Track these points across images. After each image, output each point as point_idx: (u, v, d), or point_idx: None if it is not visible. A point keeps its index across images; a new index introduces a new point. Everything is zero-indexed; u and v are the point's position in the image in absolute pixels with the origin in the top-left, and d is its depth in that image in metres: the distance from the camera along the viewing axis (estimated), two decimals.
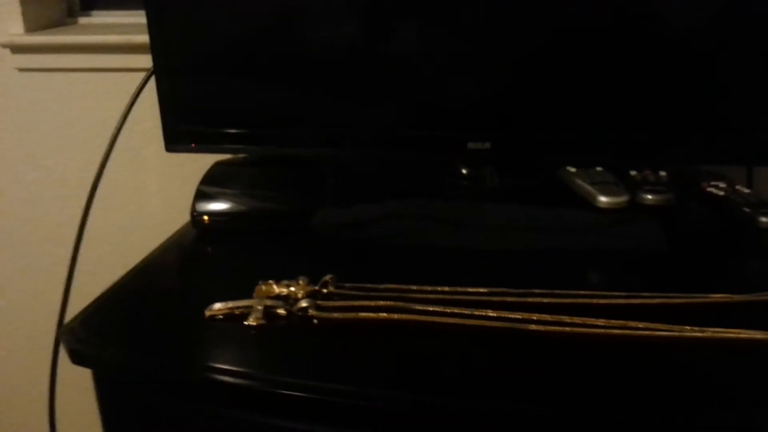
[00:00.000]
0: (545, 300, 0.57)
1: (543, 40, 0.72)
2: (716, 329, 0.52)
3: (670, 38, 0.70)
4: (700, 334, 0.52)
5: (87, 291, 0.62)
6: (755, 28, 0.69)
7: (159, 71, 0.79)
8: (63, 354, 0.54)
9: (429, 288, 0.59)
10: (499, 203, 0.74)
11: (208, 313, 0.55)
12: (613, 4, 0.70)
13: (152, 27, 0.77)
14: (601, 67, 0.72)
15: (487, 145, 0.76)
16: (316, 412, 0.48)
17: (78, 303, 0.60)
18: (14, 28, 1.00)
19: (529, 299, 0.57)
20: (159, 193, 1.06)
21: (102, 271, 1.08)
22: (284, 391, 0.47)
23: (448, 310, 0.55)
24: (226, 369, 0.49)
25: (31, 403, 1.28)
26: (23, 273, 1.17)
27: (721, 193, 0.74)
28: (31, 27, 1.01)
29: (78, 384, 1.00)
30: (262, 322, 0.54)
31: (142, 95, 0.85)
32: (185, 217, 0.76)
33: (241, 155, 0.85)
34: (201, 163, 0.83)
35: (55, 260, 1.13)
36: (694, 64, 0.71)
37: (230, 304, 0.56)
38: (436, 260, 0.67)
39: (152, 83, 0.79)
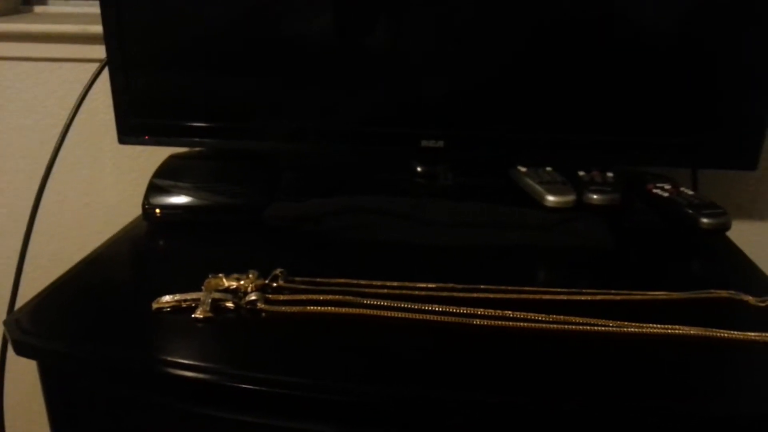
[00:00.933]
0: (491, 295, 0.58)
1: (496, 40, 0.74)
2: (654, 325, 0.54)
3: (620, 40, 0.72)
4: (637, 330, 0.54)
5: (38, 283, 0.61)
6: (703, 32, 0.72)
7: (112, 62, 0.78)
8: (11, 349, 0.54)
9: (378, 283, 0.60)
10: (450, 200, 0.75)
11: (155, 305, 0.55)
12: (565, 3, 0.72)
13: (106, 17, 0.76)
14: (551, 67, 0.74)
15: (440, 143, 0.77)
16: (260, 403, 0.48)
17: (29, 295, 0.59)
18: None
19: (475, 294, 0.58)
20: (114, 185, 1.05)
21: (54, 264, 1.06)
22: (228, 383, 0.47)
23: (396, 305, 0.56)
24: (171, 361, 0.49)
25: None
26: None
27: (666, 194, 0.76)
28: None
29: (26, 376, 0.99)
30: (210, 315, 0.54)
31: (97, 86, 0.84)
32: (139, 210, 0.75)
33: (196, 148, 0.85)
34: (158, 155, 0.82)
35: (6, 252, 1.11)
36: (642, 67, 0.73)
37: (178, 296, 0.56)
38: (387, 255, 0.68)
39: (107, 74, 0.78)
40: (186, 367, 0.49)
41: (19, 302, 0.82)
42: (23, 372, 0.71)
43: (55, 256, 1.08)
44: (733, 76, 0.73)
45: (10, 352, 0.55)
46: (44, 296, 0.59)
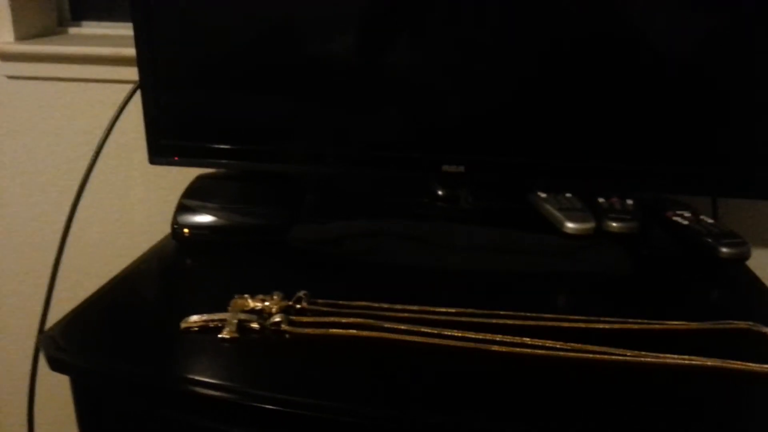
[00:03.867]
0: (510, 321, 0.60)
1: (518, 66, 0.75)
2: (671, 356, 0.54)
3: (641, 69, 0.73)
4: (654, 360, 0.54)
5: (68, 297, 0.63)
6: (725, 60, 0.73)
7: (144, 84, 0.81)
8: (43, 360, 0.56)
9: (399, 306, 0.61)
10: (470, 225, 0.77)
11: (183, 324, 0.57)
12: (587, 32, 0.73)
13: (139, 40, 0.79)
14: (573, 95, 0.75)
15: (461, 168, 0.78)
16: (284, 424, 0.50)
17: (59, 309, 0.62)
18: (4, 36, 1.02)
19: (494, 320, 0.60)
20: (142, 203, 1.07)
21: (84, 278, 1.09)
22: (253, 403, 0.49)
23: (416, 329, 0.57)
24: (198, 380, 0.51)
25: (10, 407, 1.28)
26: (5, 277, 1.17)
27: (686, 222, 0.77)
28: (21, 35, 1.03)
29: (57, 389, 1.02)
30: (236, 335, 0.56)
31: (129, 107, 0.86)
32: (167, 228, 0.77)
33: (223, 170, 0.87)
34: (185, 175, 0.85)
35: (38, 267, 1.14)
36: (663, 95, 0.74)
37: (205, 316, 0.58)
38: (408, 279, 0.69)
39: (139, 96, 0.81)
40: (211, 386, 0.50)
41: (50, 315, 0.85)
42: (55, 385, 0.74)
43: (85, 271, 1.10)
44: (754, 105, 0.73)
45: (42, 365, 0.57)
46: (77, 313, 0.61)
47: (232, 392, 0.50)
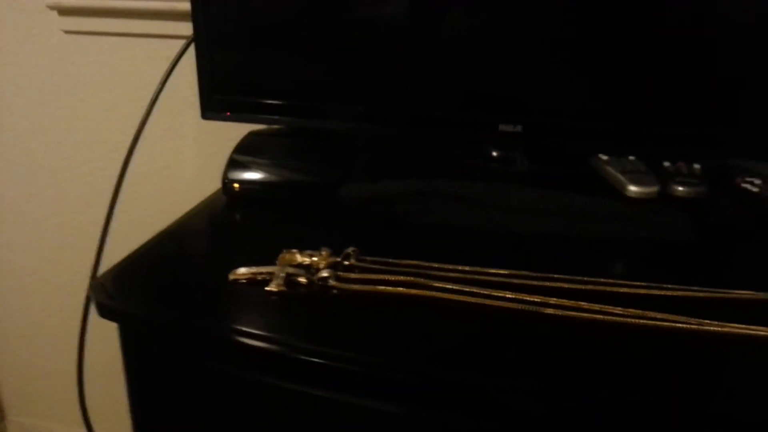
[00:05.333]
0: (565, 285, 0.57)
1: (581, 26, 0.71)
2: (735, 325, 0.51)
3: (711, 29, 0.69)
4: (718, 329, 0.51)
5: (119, 250, 0.64)
6: None
7: (198, 39, 0.80)
8: (94, 310, 0.56)
9: (450, 266, 0.59)
10: (527, 186, 0.74)
11: (231, 276, 0.57)
12: None
13: None
14: (638, 55, 0.71)
15: (519, 128, 0.75)
16: (329, 378, 0.49)
17: (111, 262, 0.62)
18: None
19: (549, 284, 0.57)
20: (195, 159, 1.08)
21: (135, 231, 1.10)
22: (299, 356, 0.48)
23: (466, 289, 0.56)
24: (244, 330, 0.50)
25: (62, 354, 1.33)
26: (59, 230, 1.20)
27: (756, 189, 0.73)
28: None
29: (107, 339, 1.04)
30: (283, 288, 0.55)
31: (182, 62, 0.86)
32: (219, 184, 0.77)
33: (275, 126, 0.86)
34: (236, 131, 0.84)
35: (91, 220, 1.17)
36: (733, 55, 0.69)
37: (253, 269, 0.57)
38: (459, 240, 0.67)
39: (192, 51, 0.80)
40: (257, 337, 0.50)
41: (102, 268, 0.87)
42: (105, 335, 0.75)
43: (136, 225, 1.12)
44: None
45: (93, 315, 0.58)
46: (127, 263, 0.61)
47: (276, 344, 0.49)
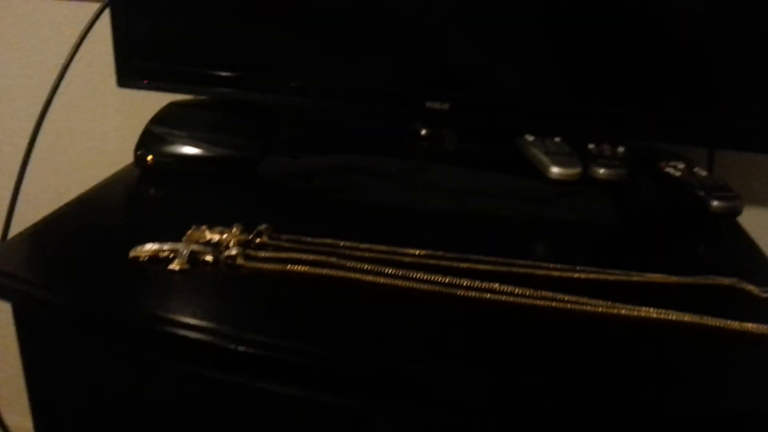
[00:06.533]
0: (481, 267, 0.56)
1: (509, 3, 0.70)
2: (647, 309, 0.51)
3: (639, 8, 0.68)
4: (628, 313, 0.51)
5: (29, 222, 0.60)
6: (727, 4, 0.68)
7: (114, 2, 0.76)
8: None
9: (365, 246, 0.58)
10: (451, 166, 0.73)
11: (132, 254, 0.54)
12: None
13: None
14: (566, 33, 0.70)
15: (446, 105, 0.74)
16: (226, 359, 0.47)
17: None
18: None
19: (464, 264, 0.56)
20: (116, 130, 1.03)
21: (49, 206, 1.05)
22: (192, 334, 0.46)
23: (380, 270, 0.54)
24: (138, 311, 0.48)
25: None
26: None
27: (678, 173, 0.73)
28: None
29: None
30: (186, 267, 0.53)
31: (105, 27, 0.81)
32: None
33: (198, 97, 0.83)
34: (164, 102, 0.80)
35: (2, 192, 1.10)
36: (661, 38, 0.69)
37: (156, 246, 0.54)
38: (380, 218, 0.66)
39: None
40: (153, 318, 0.47)
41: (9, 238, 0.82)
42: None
43: (51, 199, 1.07)
44: (757, 53, 0.68)
45: None
46: (24, 237, 0.58)
47: (170, 324, 0.47)
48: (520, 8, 0.70)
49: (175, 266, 0.52)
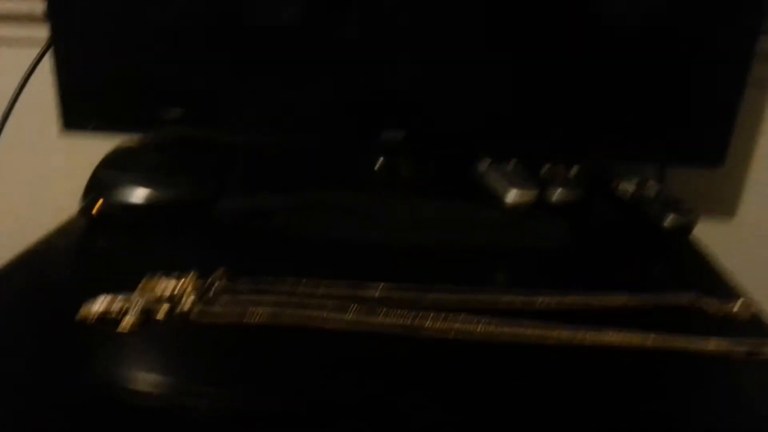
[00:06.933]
0: (444, 297, 0.56)
1: (462, 29, 0.71)
2: (610, 332, 0.51)
3: (587, 33, 0.69)
4: (593, 338, 0.51)
5: None
6: (671, 26, 0.69)
7: (56, 44, 0.74)
8: None
9: (326, 284, 0.57)
10: (410, 196, 0.72)
11: (81, 311, 0.52)
12: None
13: None
14: (517, 59, 0.71)
15: (401, 134, 0.74)
16: (175, 418, 0.45)
17: None
18: None
19: (429, 295, 0.56)
20: (61, 177, 1.00)
21: None
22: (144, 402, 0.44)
23: (343, 309, 0.53)
24: (88, 377, 0.46)
25: None
26: None
27: (631, 191, 0.74)
28: None
29: None
30: (138, 326, 0.50)
31: (48, 72, 0.79)
32: None
33: (146, 138, 0.81)
34: (110, 145, 0.78)
35: None
36: (610, 60, 0.70)
37: (106, 302, 0.52)
38: (339, 254, 0.65)
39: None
40: (101, 386, 0.45)
41: None
42: None
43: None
44: (701, 72, 0.70)
45: None
46: None
47: (119, 388, 0.44)
48: (472, 36, 0.71)
49: (125, 326, 0.50)
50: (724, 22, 0.69)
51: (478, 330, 0.51)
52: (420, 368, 0.48)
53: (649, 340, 0.51)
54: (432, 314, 0.53)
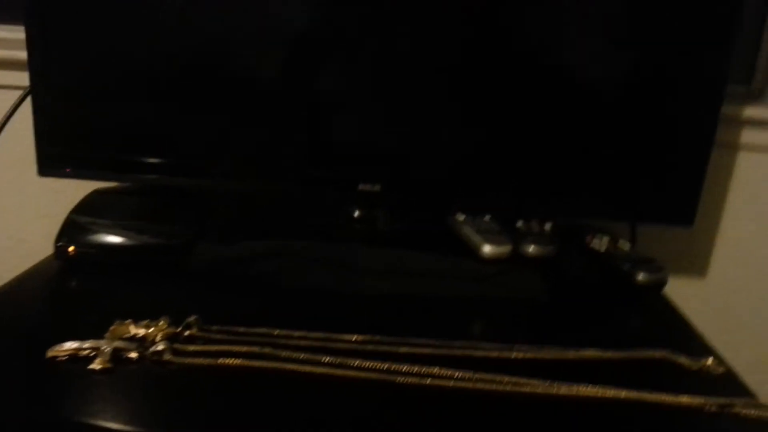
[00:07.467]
0: (418, 350, 0.55)
1: (438, 88, 0.73)
2: (584, 387, 0.51)
3: (560, 95, 0.72)
4: (567, 392, 0.51)
5: None
6: (641, 90, 0.72)
7: (35, 89, 0.74)
8: None
9: (299, 334, 0.56)
10: (386, 248, 0.73)
11: (50, 353, 0.50)
12: (506, 52, 0.71)
13: (31, 43, 0.73)
14: (492, 116, 0.73)
15: (378, 187, 0.75)
16: None
17: None
18: None
19: (403, 349, 0.55)
20: (36, 220, 0.99)
21: None
22: None
23: (316, 359, 0.52)
24: (55, 416, 0.44)
25: None
26: None
27: (604, 248, 0.75)
28: None
29: None
30: (108, 365, 0.49)
31: (26, 115, 0.79)
32: None
33: (123, 184, 0.81)
34: (86, 190, 0.78)
35: None
36: (583, 121, 0.72)
37: (76, 344, 0.51)
38: (315, 304, 0.64)
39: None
40: (71, 425, 0.44)
41: None
42: None
43: None
44: (671, 133, 0.73)
45: None
46: None
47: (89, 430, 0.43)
48: (449, 95, 0.73)
49: (96, 365, 0.49)
50: (691, 89, 0.72)
51: (451, 384, 0.51)
52: (393, 417, 0.47)
53: (623, 393, 0.51)
54: (405, 366, 0.52)
